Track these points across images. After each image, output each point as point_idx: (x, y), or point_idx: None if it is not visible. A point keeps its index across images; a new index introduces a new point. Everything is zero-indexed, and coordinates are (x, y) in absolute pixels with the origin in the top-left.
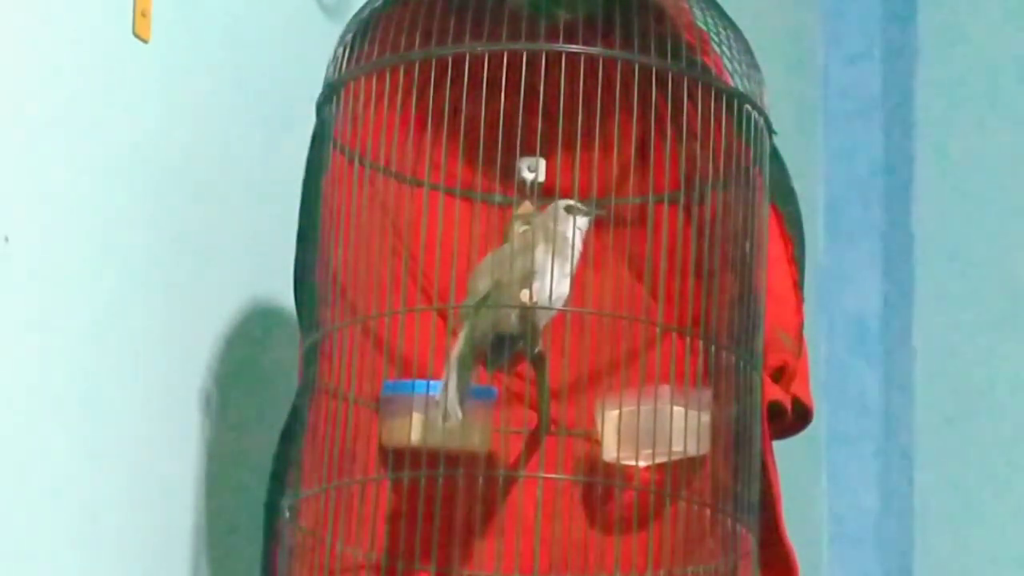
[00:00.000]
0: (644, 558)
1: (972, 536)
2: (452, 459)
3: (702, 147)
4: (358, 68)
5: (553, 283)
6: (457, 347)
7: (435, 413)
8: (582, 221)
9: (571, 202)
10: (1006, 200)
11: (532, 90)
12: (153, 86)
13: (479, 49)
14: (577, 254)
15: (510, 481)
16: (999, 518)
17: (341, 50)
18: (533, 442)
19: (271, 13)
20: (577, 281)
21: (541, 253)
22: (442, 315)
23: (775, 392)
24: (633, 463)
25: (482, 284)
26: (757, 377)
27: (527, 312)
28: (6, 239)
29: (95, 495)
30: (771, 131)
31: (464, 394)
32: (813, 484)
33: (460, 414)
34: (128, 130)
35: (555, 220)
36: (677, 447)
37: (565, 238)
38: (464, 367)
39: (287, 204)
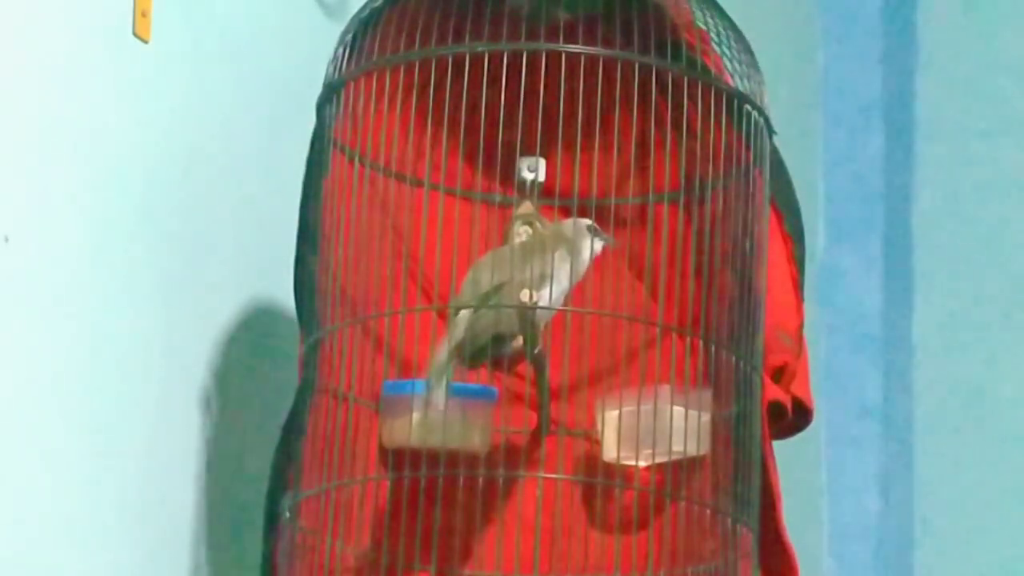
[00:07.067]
0: (644, 558)
1: (972, 536)
2: (452, 459)
3: (702, 147)
4: (358, 68)
5: (562, 290)
6: (447, 341)
7: (420, 405)
8: (599, 245)
9: (591, 222)
10: (1006, 200)
11: (532, 90)
12: (153, 86)
13: (479, 49)
14: (583, 272)
15: (510, 481)
16: (999, 518)
17: (341, 50)
18: (533, 442)
19: (271, 13)
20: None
21: (559, 259)
22: (442, 315)
23: (775, 392)
24: (633, 463)
25: (486, 281)
26: (757, 377)
27: (527, 312)
28: (6, 239)
29: (95, 495)
30: (771, 131)
31: (448, 386)
32: (813, 484)
33: (442, 405)
34: (128, 130)
35: (574, 233)
36: (677, 447)
37: (579, 252)
38: (450, 360)
39: (287, 204)
